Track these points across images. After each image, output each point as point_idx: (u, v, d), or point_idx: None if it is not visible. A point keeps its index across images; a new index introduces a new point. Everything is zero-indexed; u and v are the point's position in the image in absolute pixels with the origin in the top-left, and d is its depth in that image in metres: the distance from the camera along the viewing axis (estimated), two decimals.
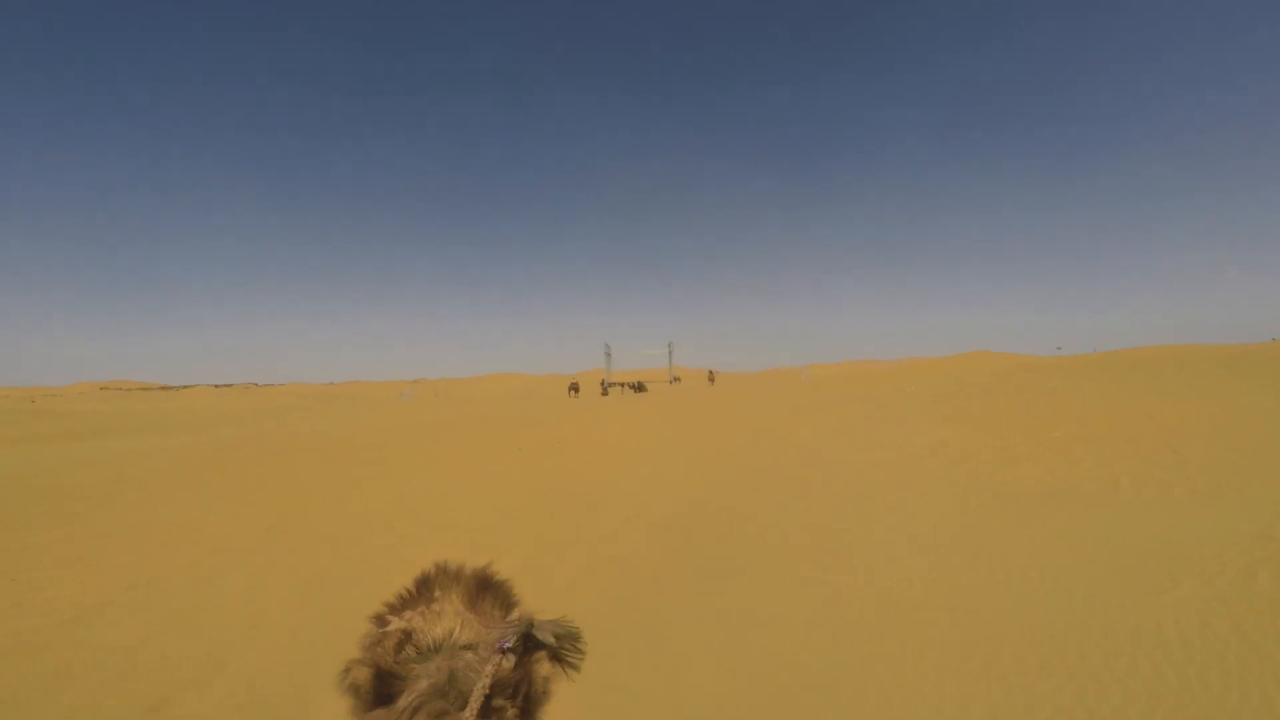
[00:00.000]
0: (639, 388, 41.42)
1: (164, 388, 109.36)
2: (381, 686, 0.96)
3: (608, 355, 59.53)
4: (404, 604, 1.12)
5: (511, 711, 0.90)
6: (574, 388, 39.58)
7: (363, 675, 0.99)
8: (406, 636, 1.01)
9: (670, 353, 61.37)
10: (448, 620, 1.04)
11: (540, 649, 0.97)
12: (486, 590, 1.15)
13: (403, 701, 0.90)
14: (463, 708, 0.87)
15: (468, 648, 0.98)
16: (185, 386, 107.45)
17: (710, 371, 48.69)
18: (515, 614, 1.13)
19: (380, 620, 1.09)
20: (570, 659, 1.00)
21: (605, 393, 40.40)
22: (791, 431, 9.21)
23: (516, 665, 0.94)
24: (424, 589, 1.13)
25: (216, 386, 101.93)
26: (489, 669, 0.90)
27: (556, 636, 1.00)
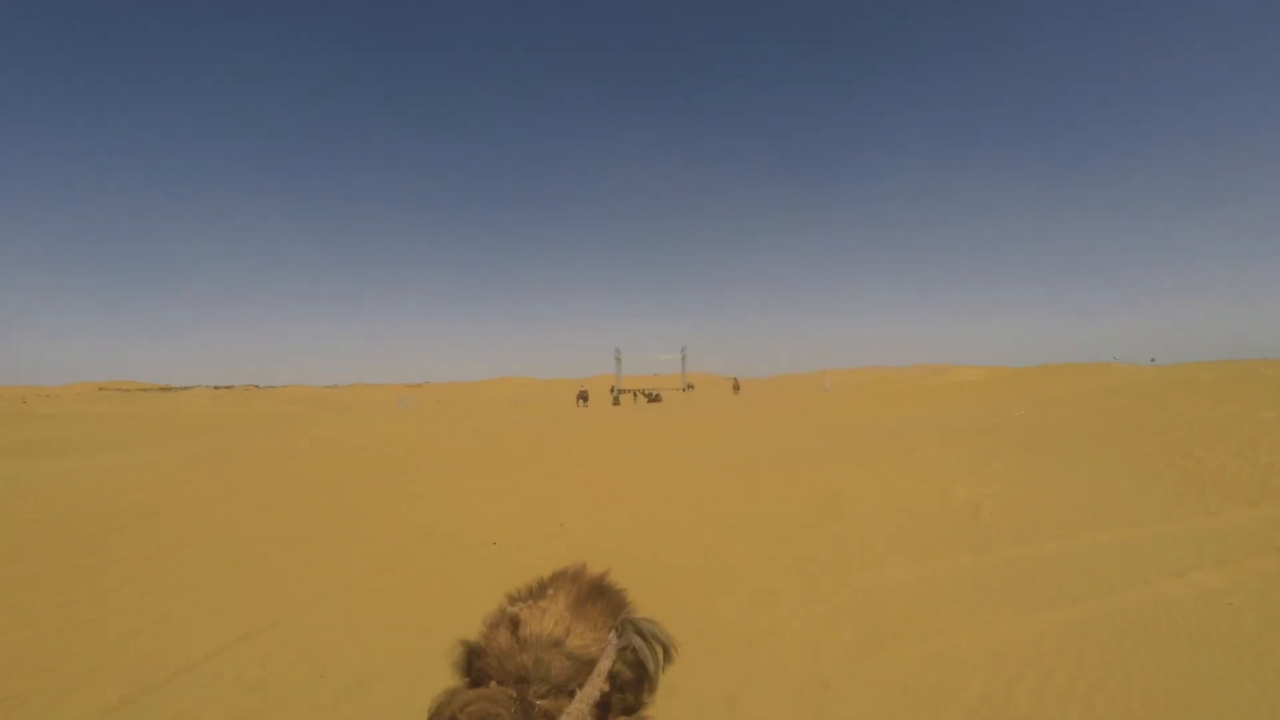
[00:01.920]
0: (654, 397, 37.74)
1: (164, 389, 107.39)
2: (476, 662, 1.04)
3: (618, 360, 56.08)
4: (519, 598, 1.15)
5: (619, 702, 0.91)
6: (582, 396, 35.96)
7: (459, 653, 1.08)
8: (514, 625, 1.06)
9: (684, 358, 57.88)
10: (551, 618, 1.08)
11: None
12: (598, 596, 1.16)
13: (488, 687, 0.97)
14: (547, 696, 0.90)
15: (558, 644, 1.02)
16: (185, 388, 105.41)
17: (735, 380, 44.81)
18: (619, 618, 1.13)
19: (500, 611, 1.13)
20: (648, 664, 1.03)
21: (616, 402, 36.81)
22: (961, 503, 5.67)
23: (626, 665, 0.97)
24: (540, 588, 1.17)
25: (215, 388, 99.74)
26: (604, 665, 0.93)
27: (643, 635, 1.05)
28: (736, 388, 43.32)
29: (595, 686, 0.91)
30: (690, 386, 57.77)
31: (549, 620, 1.06)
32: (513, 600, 1.18)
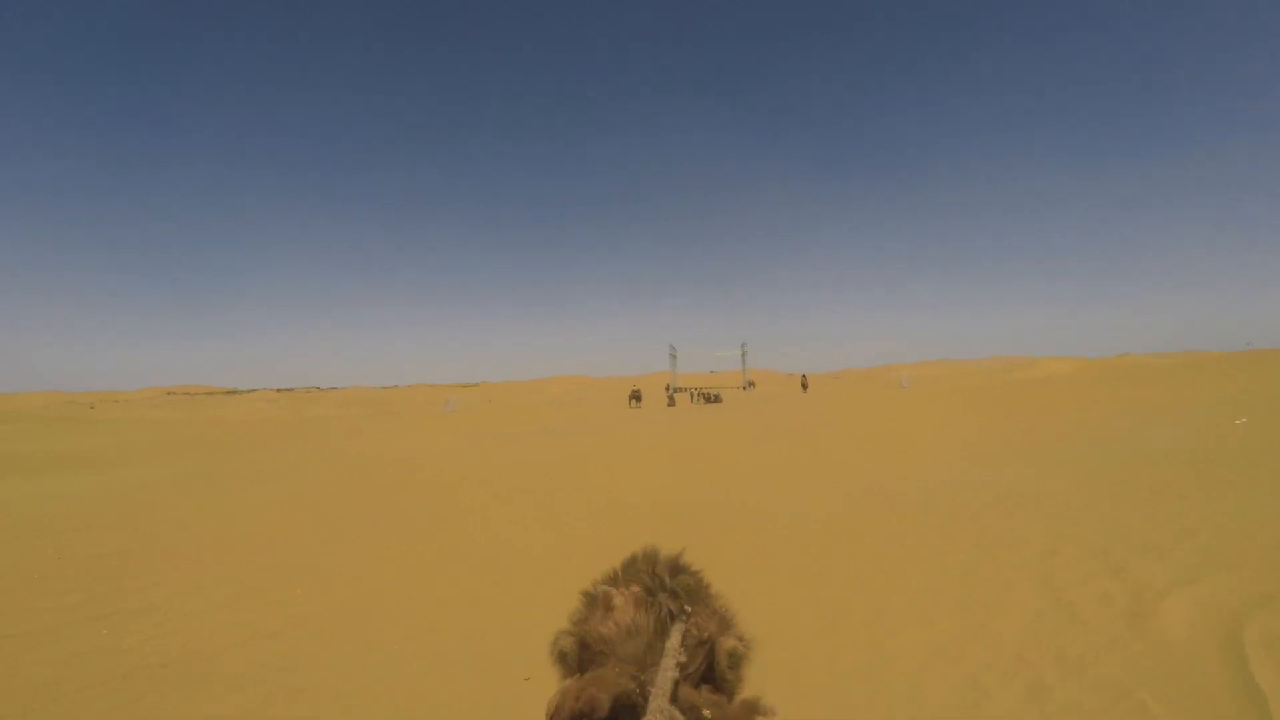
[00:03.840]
0: (713, 398, 34.51)
1: (229, 392, 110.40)
2: (586, 654, 1.05)
3: (673, 357, 53.03)
4: (610, 582, 1.15)
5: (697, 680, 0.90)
6: (635, 396, 33.12)
7: (568, 644, 1.09)
8: (608, 612, 1.06)
9: (744, 354, 54.27)
10: (634, 603, 1.08)
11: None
12: (678, 574, 1.15)
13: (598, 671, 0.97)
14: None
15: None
16: (249, 391, 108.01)
17: (803, 377, 40.93)
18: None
19: (589, 596, 1.14)
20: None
21: (671, 402, 33.82)
22: None
23: (701, 644, 0.96)
24: (628, 569, 1.16)
25: (278, 391, 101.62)
26: (670, 660, 0.91)
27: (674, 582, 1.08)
28: (805, 385, 39.53)
29: (671, 665, 0.88)
30: (751, 384, 54.18)
31: (639, 604, 1.05)
32: (596, 588, 1.15)
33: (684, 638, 0.96)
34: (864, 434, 11.89)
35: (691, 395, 39.02)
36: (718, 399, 34.18)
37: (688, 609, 1.01)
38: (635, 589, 1.08)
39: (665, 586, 1.06)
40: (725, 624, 1.03)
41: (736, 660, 0.94)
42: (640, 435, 13.28)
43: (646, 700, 0.85)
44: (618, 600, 1.06)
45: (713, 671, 0.92)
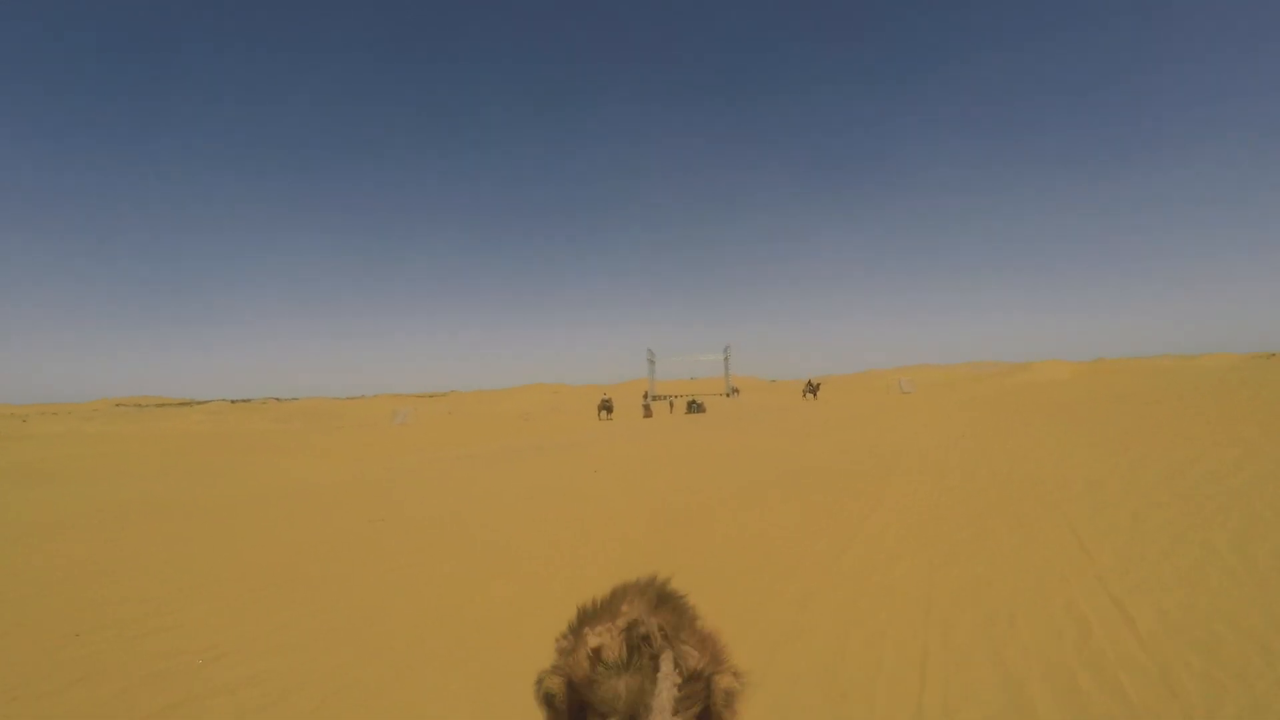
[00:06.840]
0: (696, 407, 30.19)
1: (183, 403, 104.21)
2: (574, 696, 1.01)
3: (651, 363, 48.78)
4: (595, 615, 1.07)
5: None
6: (605, 407, 28.64)
7: (555, 685, 1.03)
8: (596, 651, 0.99)
9: (727, 359, 50.16)
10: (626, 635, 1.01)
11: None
12: (665, 603, 1.08)
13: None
14: None
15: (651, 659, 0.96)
16: (205, 401, 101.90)
17: (809, 382, 36.29)
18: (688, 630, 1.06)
19: (574, 632, 1.06)
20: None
21: (648, 413, 29.46)
22: None
23: (695, 679, 0.93)
24: (613, 601, 1.08)
25: (233, 402, 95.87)
26: (666, 684, 0.89)
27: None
28: (815, 390, 34.89)
29: (666, 701, 0.87)
30: (736, 391, 50.04)
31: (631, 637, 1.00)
32: (584, 615, 1.08)
33: (676, 668, 0.89)
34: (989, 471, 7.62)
35: (670, 404, 34.69)
36: (702, 408, 29.89)
37: (672, 642, 0.93)
38: (620, 623, 0.98)
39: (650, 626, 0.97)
40: (718, 659, 0.95)
41: (732, 698, 0.88)
42: (607, 470, 8.98)
43: None
44: (605, 638, 0.96)
45: (709, 711, 0.87)
